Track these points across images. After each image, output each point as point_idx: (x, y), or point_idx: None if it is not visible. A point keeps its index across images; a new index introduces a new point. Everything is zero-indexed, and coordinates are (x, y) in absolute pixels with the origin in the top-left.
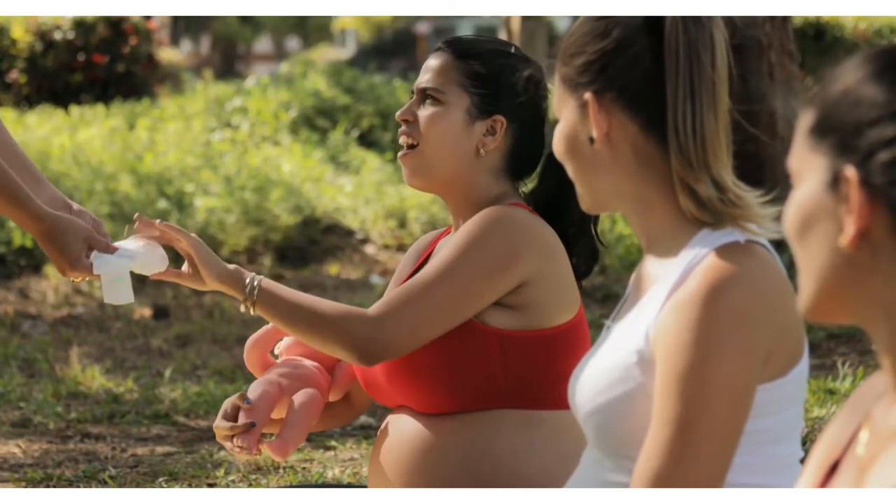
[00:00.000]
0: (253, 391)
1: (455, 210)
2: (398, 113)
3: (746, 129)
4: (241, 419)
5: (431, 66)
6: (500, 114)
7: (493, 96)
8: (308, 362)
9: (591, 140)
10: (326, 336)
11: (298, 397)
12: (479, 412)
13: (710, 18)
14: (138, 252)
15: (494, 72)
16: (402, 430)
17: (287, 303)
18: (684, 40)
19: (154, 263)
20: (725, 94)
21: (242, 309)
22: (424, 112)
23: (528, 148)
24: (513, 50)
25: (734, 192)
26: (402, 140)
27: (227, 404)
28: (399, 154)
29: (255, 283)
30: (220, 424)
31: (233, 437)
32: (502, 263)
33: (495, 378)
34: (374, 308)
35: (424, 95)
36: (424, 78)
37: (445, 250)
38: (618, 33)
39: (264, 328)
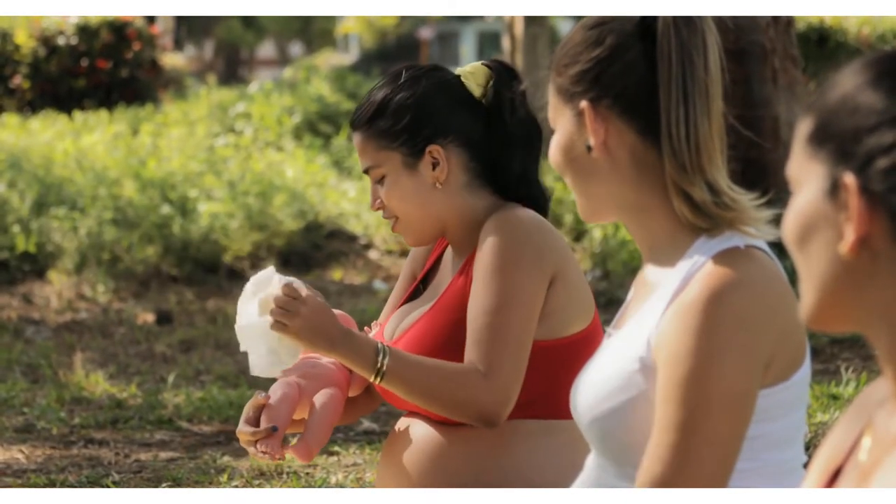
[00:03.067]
0: (273, 394)
1: (452, 238)
2: (371, 207)
3: (749, 135)
4: (263, 423)
5: (356, 148)
6: (429, 144)
7: (412, 135)
8: (326, 359)
9: (589, 149)
10: (447, 410)
11: (319, 398)
12: None
13: (701, 20)
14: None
15: (398, 114)
16: (416, 437)
17: (408, 382)
18: (676, 43)
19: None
20: (719, 98)
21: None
22: (381, 191)
23: (480, 147)
24: (402, 78)
25: (729, 195)
26: (390, 223)
27: (248, 408)
28: (392, 228)
29: (385, 363)
30: (242, 430)
31: (255, 442)
32: (538, 263)
33: None
34: (483, 370)
35: (371, 176)
36: (360, 162)
37: (485, 282)
38: (611, 41)
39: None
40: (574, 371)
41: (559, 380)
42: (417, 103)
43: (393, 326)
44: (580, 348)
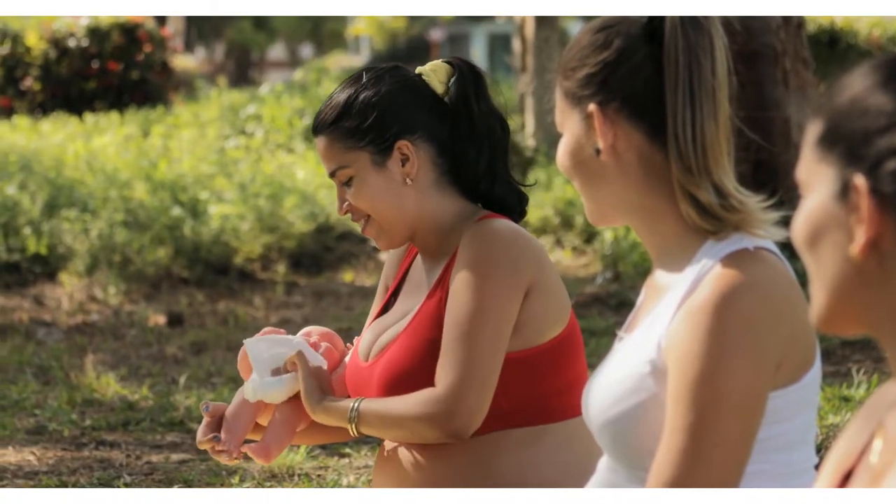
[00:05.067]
0: (234, 400)
1: (422, 242)
2: (338, 212)
3: (759, 137)
4: (223, 430)
5: (320, 152)
6: (398, 140)
7: (380, 133)
8: None
9: (597, 152)
10: (416, 435)
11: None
12: (482, 435)
13: (709, 21)
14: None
15: (363, 113)
16: (404, 459)
17: (377, 419)
18: (684, 45)
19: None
20: (726, 100)
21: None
22: (349, 193)
23: (446, 143)
24: (364, 78)
25: (736, 197)
26: (359, 226)
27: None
28: (361, 230)
29: (356, 412)
30: (198, 435)
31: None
32: (513, 275)
33: (497, 402)
34: (441, 383)
35: (337, 179)
36: (325, 166)
37: (459, 294)
38: (618, 44)
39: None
40: (554, 375)
41: (541, 386)
42: (382, 101)
43: (368, 344)
44: (558, 353)
